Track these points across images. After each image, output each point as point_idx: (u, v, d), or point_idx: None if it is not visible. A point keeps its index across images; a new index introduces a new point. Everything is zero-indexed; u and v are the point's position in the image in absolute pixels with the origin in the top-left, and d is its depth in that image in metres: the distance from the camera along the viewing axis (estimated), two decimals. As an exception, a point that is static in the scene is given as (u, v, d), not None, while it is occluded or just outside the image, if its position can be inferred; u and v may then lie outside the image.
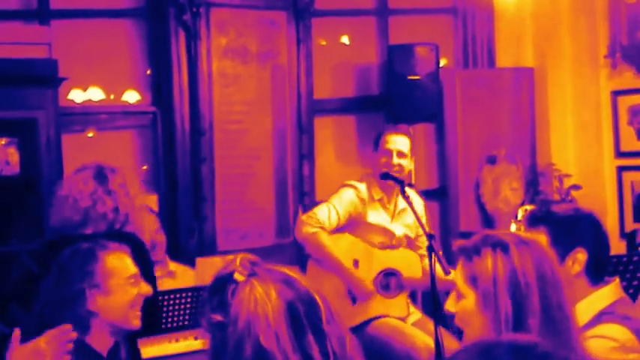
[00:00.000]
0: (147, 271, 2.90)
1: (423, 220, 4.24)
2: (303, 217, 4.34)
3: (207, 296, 1.68)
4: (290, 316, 1.61)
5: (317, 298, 1.65)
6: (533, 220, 2.63)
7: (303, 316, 1.62)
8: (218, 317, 1.63)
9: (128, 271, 2.69)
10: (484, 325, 2.00)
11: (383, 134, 4.45)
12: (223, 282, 1.65)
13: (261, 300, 1.61)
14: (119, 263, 2.68)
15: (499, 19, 6.54)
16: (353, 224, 4.39)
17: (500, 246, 2.02)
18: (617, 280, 2.59)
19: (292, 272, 1.69)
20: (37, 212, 4.74)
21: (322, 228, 4.25)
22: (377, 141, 4.46)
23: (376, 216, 4.40)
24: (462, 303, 2.07)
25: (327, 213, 4.29)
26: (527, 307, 1.94)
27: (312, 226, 4.25)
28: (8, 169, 4.83)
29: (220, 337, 1.63)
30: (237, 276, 1.64)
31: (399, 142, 4.39)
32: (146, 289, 2.73)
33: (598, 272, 2.56)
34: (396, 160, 4.34)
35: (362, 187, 4.41)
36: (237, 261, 1.67)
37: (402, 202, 4.45)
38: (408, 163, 4.40)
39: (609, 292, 2.54)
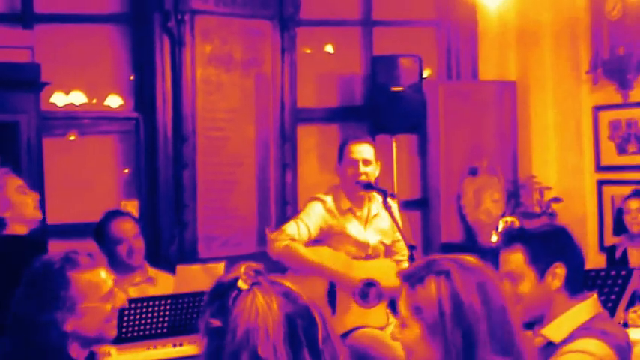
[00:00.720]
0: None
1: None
2: (272, 235, 4.32)
3: (207, 299, 1.68)
4: (289, 329, 1.62)
5: (316, 315, 1.67)
6: (509, 239, 2.64)
7: (301, 331, 1.63)
8: (217, 322, 1.64)
9: (102, 290, 2.60)
10: (431, 355, 1.96)
11: (346, 145, 4.44)
12: (226, 287, 1.66)
13: (262, 311, 1.61)
14: (93, 281, 2.58)
15: (482, 32, 6.58)
16: (326, 237, 4.38)
17: (444, 273, 1.96)
18: (595, 295, 2.61)
19: (294, 286, 1.70)
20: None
21: (293, 240, 4.24)
22: (341, 153, 4.45)
23: (348, 226, 4.40)
24: (407, 332, 2.01)
25: (295, 228, 4.28)
26: (475, 335, 1.91)
27: (282, 240, 4.24)
28: (-12, 172, 4.80)
29: (217, 344, 1.64)
30: (240, 283, 1.65)
31: (363, 150, 4.39)
32: (121, 300, 2.68)
33: (577, 285, 2.57)
34: (362, 168, 4.35)
35: (329, 199, 4.39)
36: (242, 269, 1.67)
37: (374, 208, 4.46)
38: (373, 170, 4.41)
39: (587, 307, 2.55)
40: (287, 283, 1.70)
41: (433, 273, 1.98)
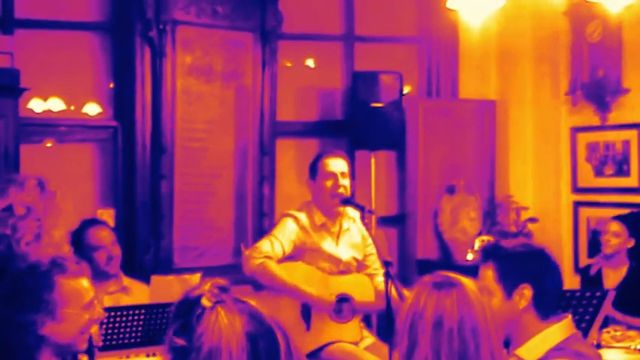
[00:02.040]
0: None
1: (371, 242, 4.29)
2: (247, 252, 4.31)
3: (172, 315, 1.68)
4: (251, 350, 1.61)
5: (279, 336, 1.67)
6: (483, 255, 2.67)
7: (262, 352, 1.62)
8: (181, 342, 1.63)
9: (85, 299, 2.60)
10: None
11: (321, 160, 4.44)
12: (190, 304, 1.65)
13: (225, 331, 1.61)
14: (77, 289, 2.58)
15: (463, 50, 6.62)
16: (299, 252, 4.37)
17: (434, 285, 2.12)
18: (570, 316, 2.61)
19: (259, 305, 1.69)
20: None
21: (268, 257, 4.23)
22: (315, 167, 4.44)
23: (321, 242, 4.39)
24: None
25: (270, 245, 4.26)
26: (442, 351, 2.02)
27: (257, 257, 4.22)
28: (-36, 177, 4.77)
29: None
30: (204, 301, 1.64)
31: (339, 164, 4.39)
32: (99, 313, 2.67)
33: (547, 309, 2.56)
34: (341, 181, 4.35)
35: (301, 215, 4.38)
36: (207, 286, 1.66)
37: (346, 223, 4.46)
38: (349, 184, 4.41)
39: (562, 329, 2.55)
40: (252, 302, 1.69)
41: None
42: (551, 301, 2.58)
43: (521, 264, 2.58)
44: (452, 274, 2.17)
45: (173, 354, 1.64)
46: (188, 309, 1.64)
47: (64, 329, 2.55)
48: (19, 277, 2.53)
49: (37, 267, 2.55)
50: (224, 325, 1.61)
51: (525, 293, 2.54)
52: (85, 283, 2.62)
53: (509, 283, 2.56)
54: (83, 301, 2.59)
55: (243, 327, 1.62)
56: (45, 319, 2.51)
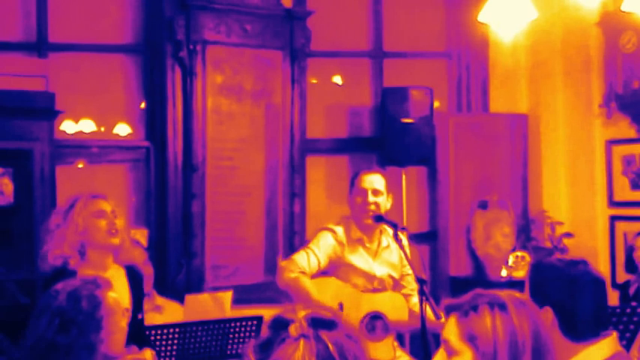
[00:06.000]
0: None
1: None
2: (283, 264, 4.31)
3: (267, 325, 1.69)
4: None
5: None
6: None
7: None
8: (252, 359, 1.65)
9: (122, 306, 2.69)
10: None
11: (358, 175, 4.44)
12: (282, 325, 1.66)
13: None
14: (116, 299, 2.66)
15: (494, 64, 6.58)
16: (334, 267, 4.36)
17: (498, 305, 1.99)
18: (615, 333, 2.54)
19: (340, 350, 1.66)
20: (28, 243, 4.73)
21: (303, 273, 4.22)
22: (352, 183, 4.45)
23: (356, 257, 4.37)
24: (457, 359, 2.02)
25: (306, 258, 4.25)
26: None
27: (292, 271, 4.21)
28: (2, 198, 4.86)
29: None
30: (291, 330, 1.64)
31: (373, 180, 4.38)
32: (128, 318, 2.77)
33: (576, 331, 2.50)
34: (371, 198, 4.33)
35: (339, 230, 4.37)
36: (302, 314, 1.67)
37: (384, 240, 4.43)
38: (384, 201, 4.38)
39: (606, 346, 2.49)
40: (331, 347, 1.66)
41: (487, 303, 2.00)
42: (583, 325, 2.50)
43: (543, 287, 2.54)
44: (500, 292, 2.06)
45: None
46: (278, 328, 1.66)
47: (115, 340, 2.64)
48: (68, 307, 2.56)
49: (75, 293, 2.58)
50: None
51: (548, 315, 2.49)
52: (116, 293, 2.69)
53: (536, 302, 2.51)
54: (121, 309, 2.68)
55: None
56: (103, 335, 2.57)
